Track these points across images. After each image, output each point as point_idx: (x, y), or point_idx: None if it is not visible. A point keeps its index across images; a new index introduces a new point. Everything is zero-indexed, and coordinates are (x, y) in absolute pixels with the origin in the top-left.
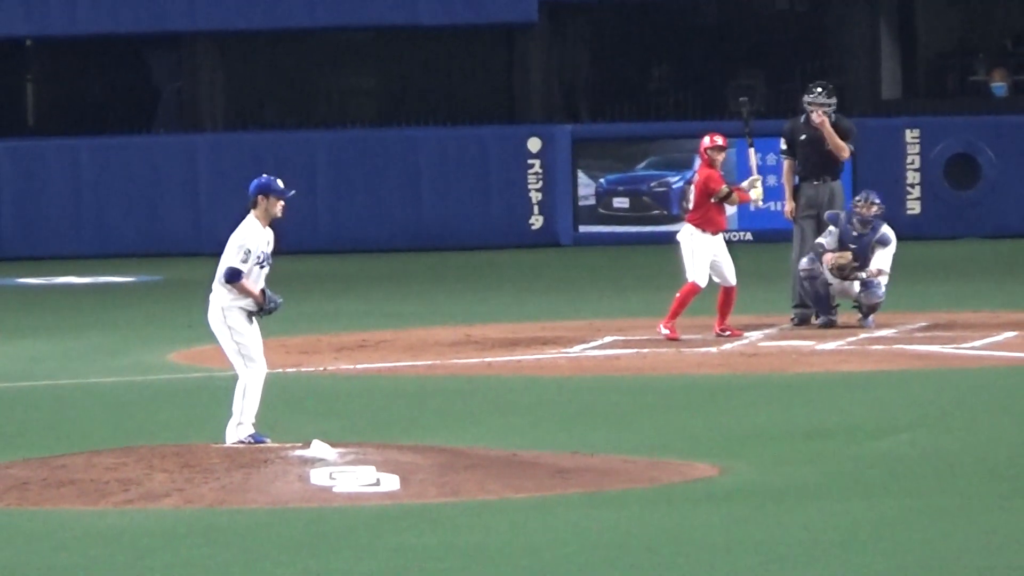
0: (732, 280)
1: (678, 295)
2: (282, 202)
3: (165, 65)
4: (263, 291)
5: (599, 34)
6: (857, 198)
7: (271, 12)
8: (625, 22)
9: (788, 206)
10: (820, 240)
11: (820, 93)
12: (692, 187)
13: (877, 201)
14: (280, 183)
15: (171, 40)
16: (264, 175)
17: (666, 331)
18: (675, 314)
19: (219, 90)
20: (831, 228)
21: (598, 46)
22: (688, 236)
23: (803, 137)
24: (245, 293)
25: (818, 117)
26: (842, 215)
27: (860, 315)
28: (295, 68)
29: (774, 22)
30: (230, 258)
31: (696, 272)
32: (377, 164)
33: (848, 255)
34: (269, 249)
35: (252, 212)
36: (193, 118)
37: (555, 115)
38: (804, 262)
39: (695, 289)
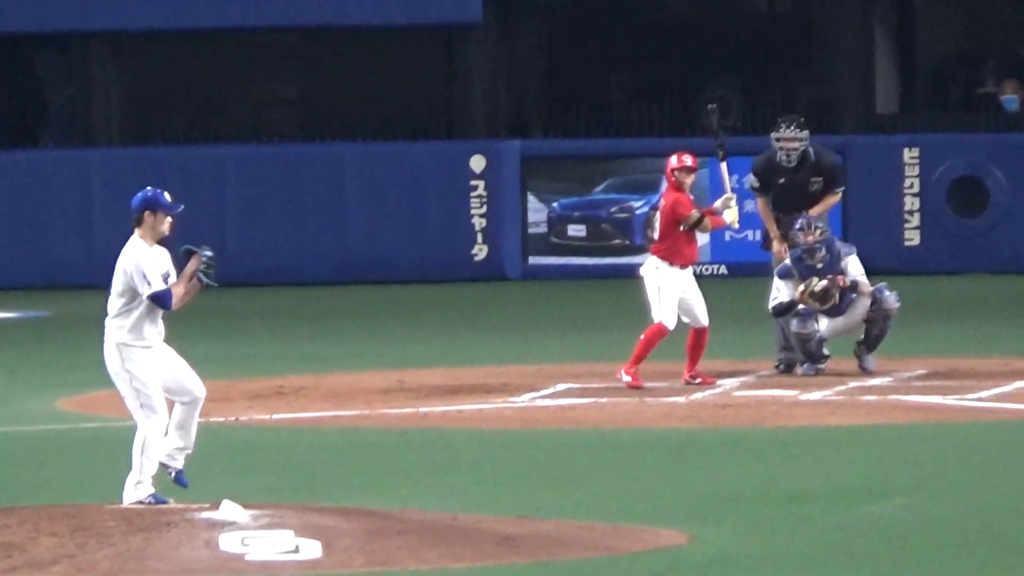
0: (704, 320)
1: (643, 337)
2: (170, 218)
3: (54, 70)
4: (193, 273)
5: (552, 36)
6: (797, 227)
7: (176, 9)
8: (582, 24)
9: (776, 245)
10: (780, 297)
11: (789, 128)
12: (658, 213)
13: (819, 225)
14: (168, 196)
15: (60, 41)
16: (149, 188)
17: (628, 378)
18: (639, 359)
19: (115, 98)
20: (785, 282)
21: (551, 50)
22: (653, 270)
23: (781, 180)
24: (182, 301)
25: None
26: (789, 261)
27: (857, 359)
28: (203, 74)
29: (752, 24)
30: (143, 286)
31: (663, 312)
32: (297, 184)
33: (819, 281)
34: (168, 269)
35: (136, 231)
36: (86, 130)
37: (501, 130)
38: (795, 323)
39: (662, 331)
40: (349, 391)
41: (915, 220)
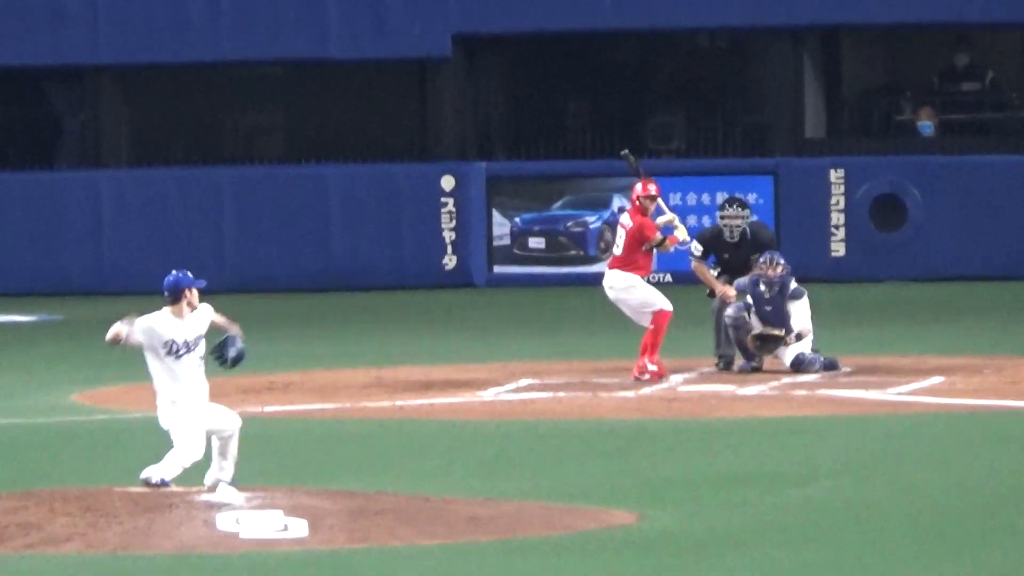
0: (645, 323)
1: (651, 328)
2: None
3: (67, 99)
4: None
5: (514, 70)
6: (761, 260)
7: (176, 45)
8: (541, 58)
9: (729, 290)
10: (730, 309)
11: (732, 207)
12: (620, 229)
13: (782, 261)
14: (189, 274)
15: (73, 73)
16: (174, 272)
17: (653, 367)
18: (655, 348)
19: (123, 125)
20: (743, 301)
21: (513, 82)
22: (622, 280)
23: (725, 255)
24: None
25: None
26: (747, 281)
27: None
28: (201, 103)
29: (694, 59)
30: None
31: (655, 300)
32: (285, 202)
33: (772, 331)
34: (189, 336)
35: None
36: (96, 154)
37: (469, 152)
38: (731, 310)
39: (666, 315)
40: (333, 386)
41: (840, 234)
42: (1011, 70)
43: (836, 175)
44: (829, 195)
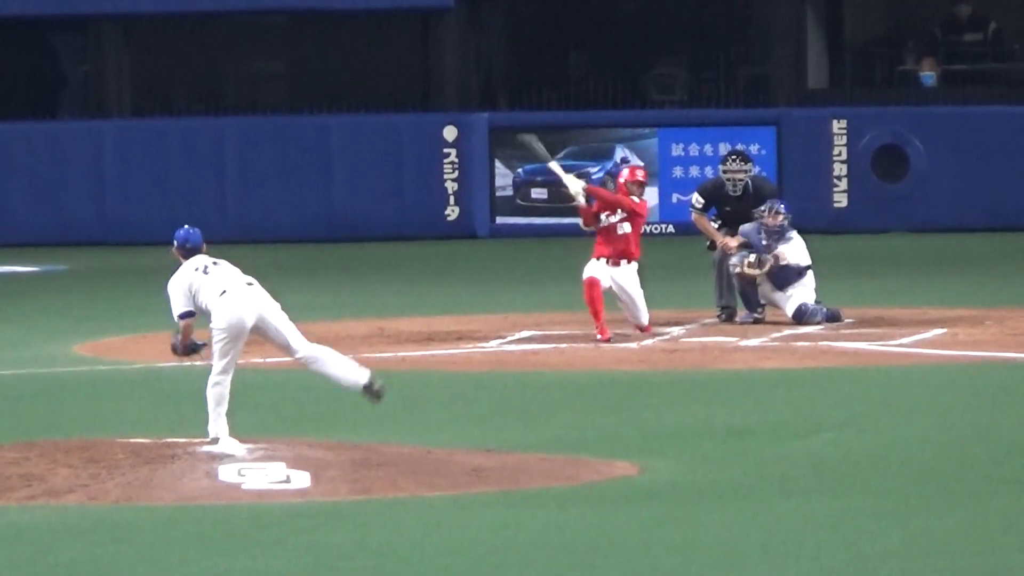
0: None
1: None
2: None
3: (70, 49)
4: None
5: (517, 20)
6: (762, 208)
7: None
8: (543, 8)
9: (731, 241)
10: (734, 258)
11: (735, 160)
12: (614, 181)
13: (783, 211)
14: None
15: (76, 23)
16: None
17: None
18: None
19: (126, 75)
20: (745, 251)
21: (516, 32)
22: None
23: (727, 208)
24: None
25: (732, 257)
26: (751, 228)
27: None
28: (203, 53)
29: (696, 9)
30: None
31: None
32: (288, 151)
33: (756, 270)
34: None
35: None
36: (99, 104)
37: (471, 103)
38: (734, 258)
39: (586, 281)
40: (335, 337)
41: (843, 184)
42: (1014, 21)
43: (838, 126)
44: (831, 146)
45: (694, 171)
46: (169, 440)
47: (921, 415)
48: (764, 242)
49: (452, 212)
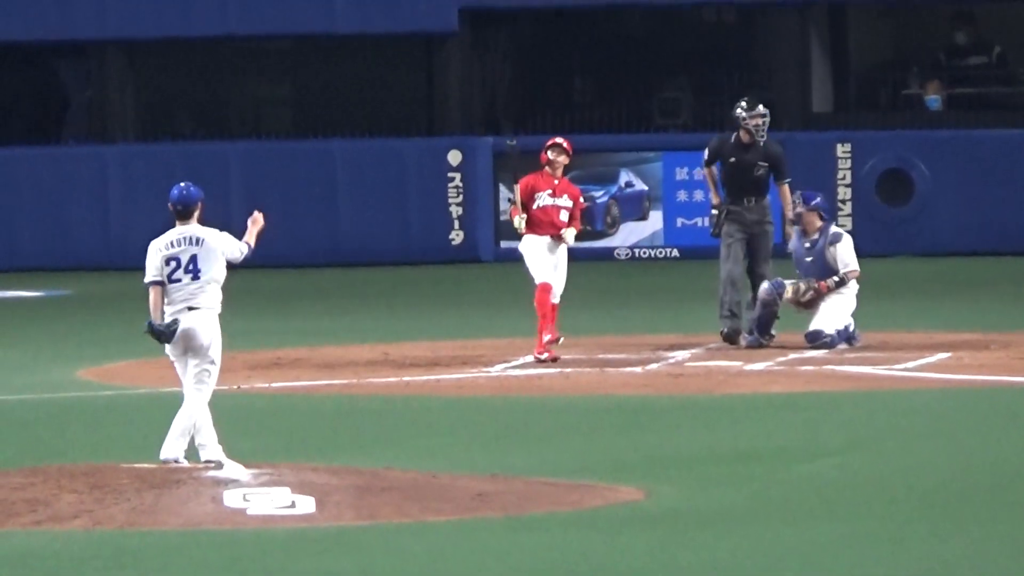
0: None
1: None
2: None
3: (74, 74)
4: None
5: (521, 44)
6: (793, 198)
7: (183, 19)
8: (548, 32)
9: (716, 200)
10: (765, 284)
11: (753, 108)
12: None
13: (818, 204)
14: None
15: (80, 48)
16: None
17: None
18: (542, 323)
19: (130, 100)
20: (778, 279)
21: (520, 56)
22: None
23: (732, 159)
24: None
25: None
26: (795, 239)
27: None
28: (207, 77)
29: (701, 33)
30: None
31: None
32: (292, 176)
33: (806, 290)
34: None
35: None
36: (103, 128)
37: (476, 127)
38: (766, 286)
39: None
40: (340, 362)
41: (848, 208)
42: (1018, 44)
43: (843, 149)
44: (836, 169)
45: (698, 195)
46: (173, 465)
47: (926, 439)
48: (806, 245)
49: (456, 236)
